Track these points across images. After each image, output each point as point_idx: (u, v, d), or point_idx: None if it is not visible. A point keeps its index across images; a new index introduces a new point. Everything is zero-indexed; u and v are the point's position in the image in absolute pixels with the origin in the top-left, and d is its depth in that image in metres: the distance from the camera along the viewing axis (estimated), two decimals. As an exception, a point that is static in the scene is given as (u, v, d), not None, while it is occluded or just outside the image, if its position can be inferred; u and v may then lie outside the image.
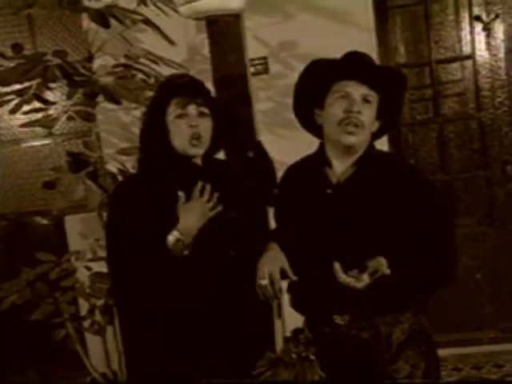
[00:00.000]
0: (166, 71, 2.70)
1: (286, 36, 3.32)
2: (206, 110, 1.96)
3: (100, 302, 3.09)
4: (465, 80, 3.61)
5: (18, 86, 2.82)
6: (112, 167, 3.03)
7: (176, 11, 2.74)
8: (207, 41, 2.78)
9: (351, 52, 1.90)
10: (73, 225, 3.65)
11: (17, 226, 3.85)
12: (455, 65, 3.61)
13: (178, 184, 1.90)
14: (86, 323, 3.20)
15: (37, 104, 2.93)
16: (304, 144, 2.01)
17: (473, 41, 3.55)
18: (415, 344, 1.87)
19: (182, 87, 1.95)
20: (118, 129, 3.43)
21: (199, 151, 1.95)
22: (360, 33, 3.23)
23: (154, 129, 1.95)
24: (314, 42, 3.09)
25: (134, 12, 2.78)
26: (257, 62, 3.37)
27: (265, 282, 1.82)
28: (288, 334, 1.95)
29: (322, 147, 1.97)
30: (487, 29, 3.52)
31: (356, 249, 1.76)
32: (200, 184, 1.90)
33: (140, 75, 2.91)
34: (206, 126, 1.95)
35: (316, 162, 1.96)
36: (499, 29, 3.52)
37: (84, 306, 3.25)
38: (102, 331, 3.16)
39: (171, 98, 1.93)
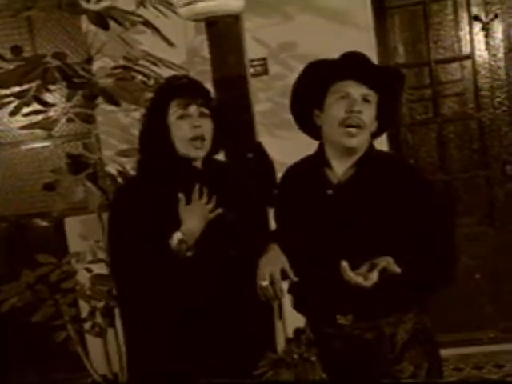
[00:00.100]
0: (165, 73, 2.70)
1: (285, 37, 3.32)
2: (206, 111, 1.96)
3: (100, 304, 3.09)
4: (464, 80, 3.62)
5: (17, 88, 2.81)
6: (112, 169, 3.03)
7: (175, 13, 2.74)
8: (206, 42, 2.78)
9: (349, 52, 1.90)
10: (73, 227, 3.65)
11: (17, 228, 3.85)
12: (454, 65, 3.62)
13: (177, 186, 1.90)
14: (87, 325, 3.19)
15: (36, 106, 2.93)
16: (304, 145, 2.01)
17: (472, 41, 3.56)
18: (418, 344, 1.87)
19: (182, 88, 1.96)
20: (118, 130, 3.43)
21: (201, 153, 1.95)
22: (359, 33, 3.23)
23: (155, 130, 1.95)
24: (314, 42, 3.09)
25: (133, 14, 2.77)
26: (256, 63, 3.37)
27: (265, 282, 1.82)
28: (289, 335, 1.95)
29: (321, 148, 1.96)
30: (486, 29, 3.52)
31: (357, 249, 1.76)
32: (198, 186, 1.91)
33: (139, 77, 2.91)
34: (207, 127, 1.95)
35: (316, 163, 1.96)
36: (498, 29, 3.52)
37: (84, 308, 3.25)
38: (102, 333, 3.16)
39: (171, 99, 1.93)
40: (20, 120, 3.23)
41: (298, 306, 1.97)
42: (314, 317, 1.94)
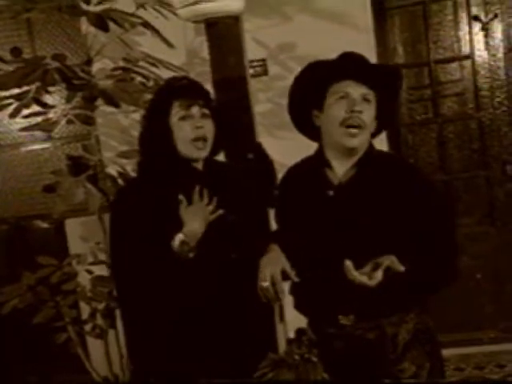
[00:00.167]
0: (165, 74, 2.70)
1: (284, 38, 3.32)
2: (207, 112, 1.96)
3: (101, 306, 3.09)
4: (464, 80, 3.62)
5: (17, 90, 2.81)
6: (112, 170, 3.03)
7: (175, 14, 2.74)
8: (206, 43, 2.78)
9: (346, 52, 1.90)
10: (73, 228, 3.65)
11: (17, 229, 3.84)
12: (454, 65, 3.62)
13: (178, 187, 1.91)
14: (88, 327, 3.19)
15: (36, 108, 2.93)
16: (304, 145, 2.01)
17: (471, 41, 3.56)
18: (420, 344, 1.87)
19: (183, 89, 1.96)
20: (118, 132, 3.43)
21: (203, 154, 1.96)
22: (359, 34, 3.23)
23: (157, 132, 1.95)
24: (313, 43, 3.09)
25: (132, 15, 2.77)
26: (256, 63, 3.37)
27: (266, 283, 1.82)
28: (290, 336, 1.95)
29: (321, 149, 1.97)
30: (486, 29, 3.52)
31: (358, 250, 1.76)
32: (198, 188, 1.91)
33: (139, 78, 2.91)
34: (209, 128, 1.96)
35: (316, 164, 1.96)
36: (498, 28, 3.52)
37: (85, 310, 3.24)
38: (103, 335, 3.16)
39: (173, 100, 1.93)
40: (20, 122, 3.22)
41: (299, 307, 1.97)
42: (315, 317, 1.94)
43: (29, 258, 3.17)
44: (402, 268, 1.66)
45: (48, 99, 3.08)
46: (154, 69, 2.90)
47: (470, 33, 3.55)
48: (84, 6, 2.78)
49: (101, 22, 2.63)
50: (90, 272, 3.12)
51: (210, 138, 1.96)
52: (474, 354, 3.56)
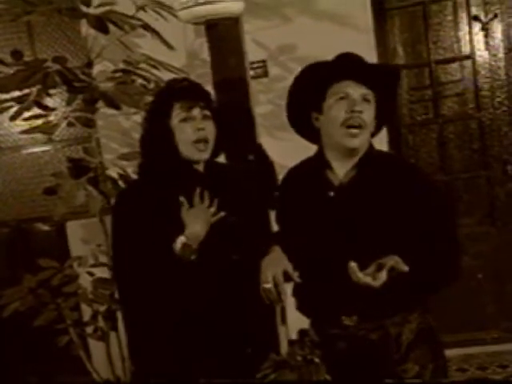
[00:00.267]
0: (165, 76, 2.70)
1: (284, 39, 3.32)
2: (208, 113, 1.96)
3: (103, 308, 3.09)
4: (464, 80, 3.61)
5: (17, 93, 2.81)
6: (113, 172, 3.02)
7: (175, 16, 2.74)
8: (206, 45, 2.78)
9: (343, 53, 1.90)
10: (74, 231, 3.65)
11: (18, 232, 3.84)
12: (454, 65, 3.62)
13: (179, 189, 1.91)
14: (89, 329, 3.19)
15: (37, 110, 2.93)
16: (304, 146, 2.01)
17: (472, 41, 3.56)
18: (423, 344, 1.87)
19: (184, 91, 1.96)
20: (118, 134, 3.43)
21: (204, 156, 1.96)
22: (359, 35, 3.23)
23: (158, 133, 1.95)
24: (313, 44, 3.08)
25: (132, 17, 2.77)
26: (256, 65, 3.37)
27: (268, 285, 1.82)
28: (292, 337, 1.95)
29: (321, 150, 1.97)
30: (486, 29, 3.52)
31: (359, 250, 1.76)
32: (199, 190, 1.91)
33: (140, 80, 2.90)
34: (210, 129, 1.96)
35: (316, 165, 1.97)
36: (498, 29, 3.53)
37: (87, 312, 3.24)
38: (104, 337, 3.16)
39: (174, 102, 1.93)
40: (20, 124, 3.22)
41: (302, 308, 1.97)
42: (318, 318, 1.94)
43: (30, 261, 3.17)
44: (406, 268, 1.66)
45: (49, 102, 3.08)
46: (154, 71, 2.89)
47: (470, 33, 3.55)
48: (84, 9, 2.78)
49: (101, 24, 2.63)
50: (91, 274, 3.11)
51: (212, 140, 1.96)
52: (476, 354, 3.56)
